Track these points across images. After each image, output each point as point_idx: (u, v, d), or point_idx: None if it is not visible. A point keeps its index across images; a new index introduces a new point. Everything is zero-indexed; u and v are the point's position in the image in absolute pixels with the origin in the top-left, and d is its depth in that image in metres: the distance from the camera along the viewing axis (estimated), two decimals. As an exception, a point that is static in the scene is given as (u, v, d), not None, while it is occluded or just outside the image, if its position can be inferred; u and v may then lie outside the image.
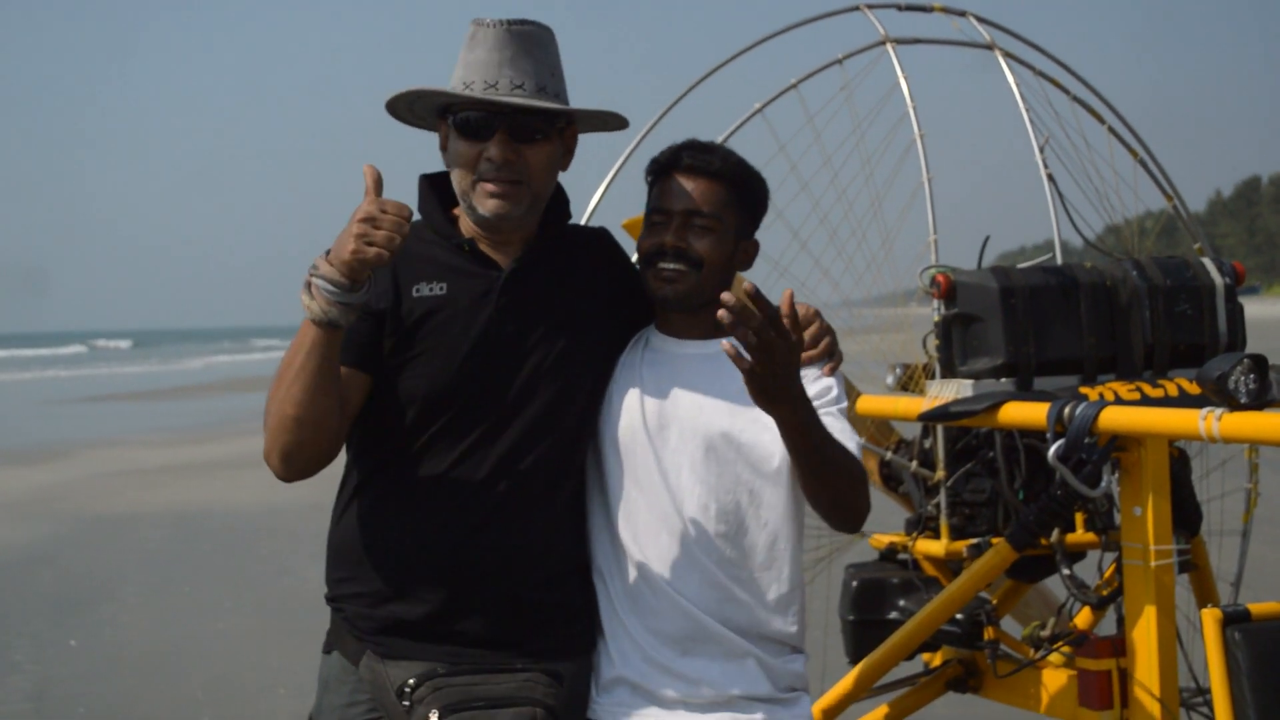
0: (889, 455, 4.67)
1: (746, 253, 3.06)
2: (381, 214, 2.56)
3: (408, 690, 2.78)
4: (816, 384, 2.93)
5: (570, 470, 2.93)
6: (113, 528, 13.42)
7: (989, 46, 4.83)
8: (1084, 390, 3.71)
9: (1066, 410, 3.49)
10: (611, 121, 3.01)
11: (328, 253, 2.62)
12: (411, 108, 2.95)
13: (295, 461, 2.74)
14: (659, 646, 2.89)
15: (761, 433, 2.86)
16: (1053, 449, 3.48)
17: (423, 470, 2.83)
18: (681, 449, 2.90)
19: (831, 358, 2.99)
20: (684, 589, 2.88)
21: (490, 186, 2.84)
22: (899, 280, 4.47)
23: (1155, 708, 3.61)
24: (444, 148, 2.94)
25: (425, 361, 2.83)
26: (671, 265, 2.93)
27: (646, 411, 2.93)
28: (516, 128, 2.84)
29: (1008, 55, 4.79)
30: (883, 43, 4.75)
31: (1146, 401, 3.67)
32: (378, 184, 2.62)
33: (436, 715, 2.72)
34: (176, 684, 8.09)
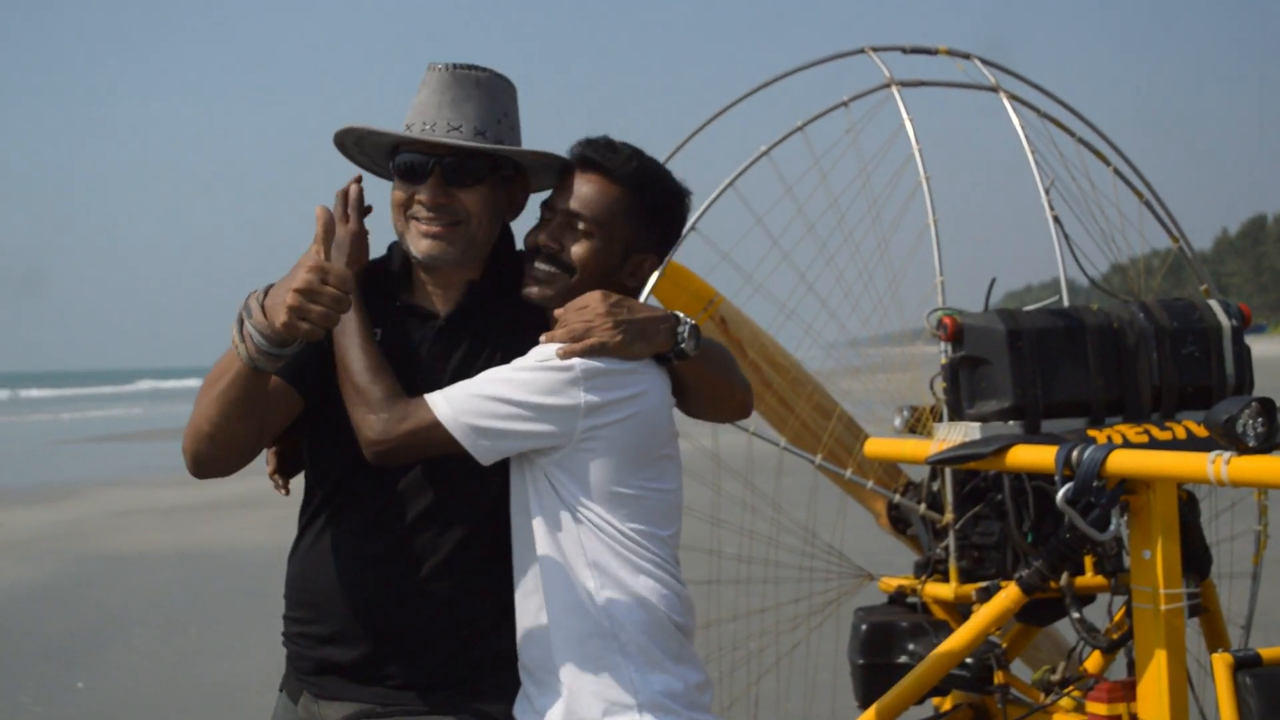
0: (897, 498, 4.66)
1: (640, 268, 2.85)
2: (321, 287, 2.49)
3: None
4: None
5: (500, 515, 2.85)
6: (121, 567, 13.40)
7: (993, 89, 4.85)
8: (1092, 433, 3.70)
9: (1075, 453, 3.48)
10: (556, 167, 2.92)
11: (267, 289, 2.60)
12: (363, 149, 2.94)
13: (204, 467, 2.79)
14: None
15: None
16: (1061, 492, 3.48)
17: (354, 514, 2.84)
18: (518, 494, 2.81)
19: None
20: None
21: (424, 228, 2.81)
22: (906, 321, 4.47)
23: (1166, 752, 3.59)
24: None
25: None
26: (543, 267, 2.78)
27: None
28: (450, 171, 2.79)
29: (1012, 97, 4.81)
30: (888, 85, 4.77)
31: (1155, 444, 3.66)
32: (328, 231, 2.58)
33: None
34: (183, 725, 8.07)
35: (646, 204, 2.81)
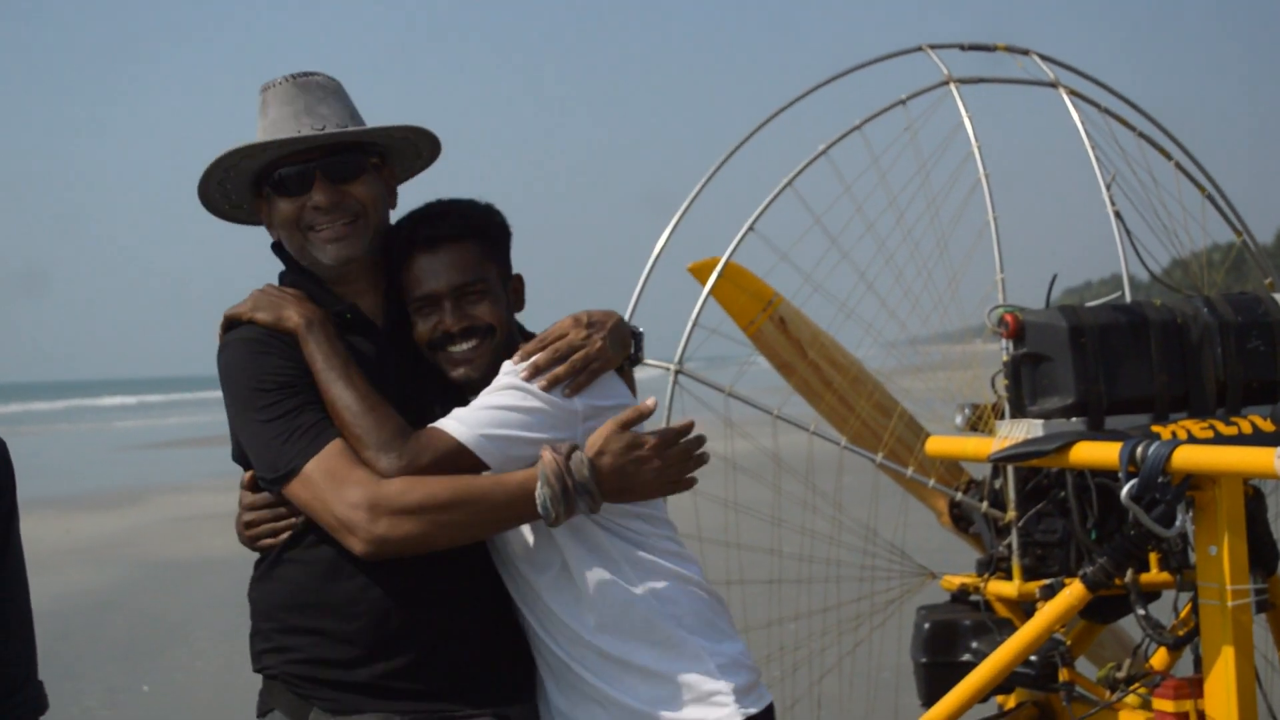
0: (959, 496, 4.64)
1: (518, 292, 3.01)
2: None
3: None
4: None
5: None
6: (184, 572, 13.55)
7: (1053, 84, 4.82)
8: (1156, 429, 3.68)
9: (1139, 450, 3.46)
10: (423, 151, 2.99)
11: (592, 461, 2.71)
12: (225, 192, 2.94)
13: (388, 551, 2.79)
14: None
15: None
16: (1125, 489, 3.46)
17: None
18: None
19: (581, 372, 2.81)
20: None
21: (325, 234, 2.83)
22: (965, 319, 4.45)
23: (1235, 750, 3.56)
24: (269, 222, 2.93)
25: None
26: (465, 345, 2.85)
27: None
28: (333, 168, 2.83)
29: (1072, 93, 4.78)
30: (946, 83, 4.76)
31: (1220, 440, 3.64)
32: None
33: None
34: (247, 727, 8.14)
35: (492, 238, 2.95)
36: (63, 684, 9.40)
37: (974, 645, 4.34)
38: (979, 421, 4.38)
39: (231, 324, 2.89)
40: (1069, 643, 4.60)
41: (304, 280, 2.90)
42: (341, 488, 2.67)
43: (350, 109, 2.89)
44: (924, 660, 4.42)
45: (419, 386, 2.87)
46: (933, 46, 4.88)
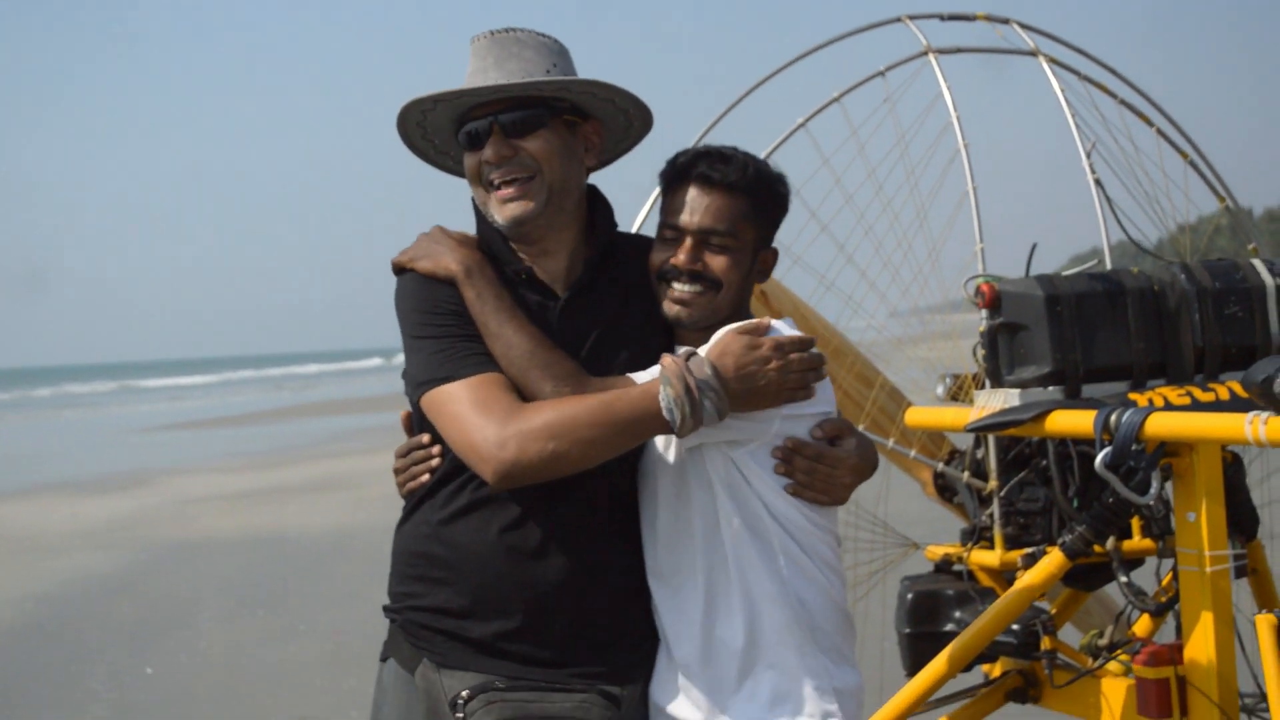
0: (941, 466, 4.64)
1: (765, 263, 2.96)
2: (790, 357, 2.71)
3: (460, 702, 2.77)
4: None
5: (633, 492, 2.92)
6: (189, 554, 13.59)
7: (1033, 53, 4.80)
8: (1133, 396, 3.67)
9: (1113, 418, 3.45)
10: (629, 109, 2.92)
11: (714, 368, 2.70)
12: (427, 136, 2.96)
13: (531, 477, 2.79)
14: (712, 670, 2.85)
15: (752, 469, 2.81)
16: (1100, 457, 3.46)
17: (484, 488, 2.80)
18: (683, 476, 2.83)
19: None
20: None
21: (501, 193, 2.83)
22: (946, 290, 4.45)
23: (1214, 715, 3.56)
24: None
25: None
26: (687, 287, 2.83)
27: (660, 439, 2.85)
28: (508, 124, 2.81)
29: (1052, 61, 4.76)
30: (925, 53, 4.74)
31: (1196, 406, 3.63)
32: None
33: None
34: (251, 709, 8.18)
35: (763, 204, 2.89)
36: (68, 666, 9.47)
37: (957, 615, 4.35)
38: (960, 392, 4.38)
39: (400, 270, 2.91)
40: (1053, 611, 4.61)
41: (490, 234, 2.90)
42: (483, 414, 2.68)
43: (546, 64, 2.83)
44: (907, 630, 4.43)
45: (582, 353, 2.83)
46: (912, 17, 4.87)
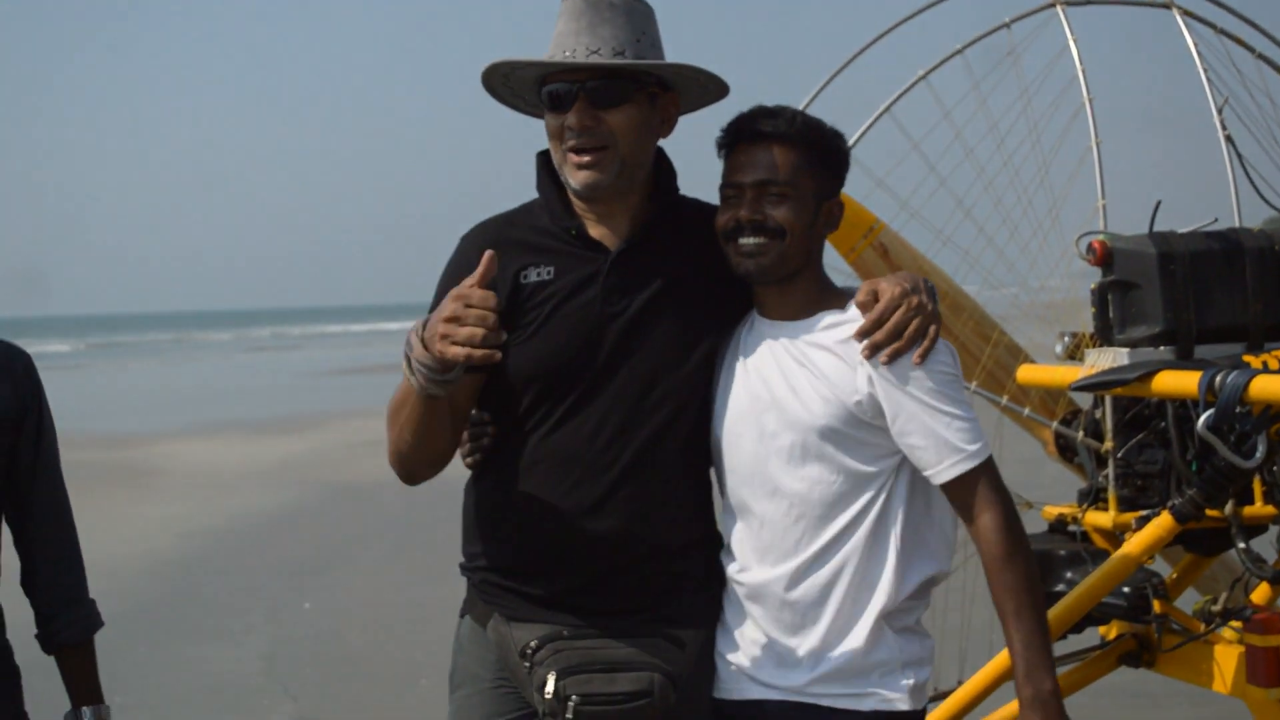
0: (1055, 425, 4.57)
1: (830, 214, 2.93)
2: (466, 310, 2.56)
3: (529, 651, 2.83)
4: (914, 382, 2.75)
5: (690, 445, 2.93)
6: (355, 495, 13.99)
7: (1166, 5, 4.66)
8: (1247, 358, 3.59)
9: (1218, 379, 3.38)
10: (709, 86, 2.94)
11: (424, 323, 2.68)
12: (511, 88, 2.99)
13: (416, 477, 2.94)
14: (767, 626, 2.88)
15: (850, 431, 2.80)
16: (1202, 419, 3.39)
17: (542, 448, 2.88)
18: (780, 434, 2.84)
19: (924, 339, 2.78)
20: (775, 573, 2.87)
21: (576, 158, 2.86)
22: (1066, 248, 4.36)
23: (1322, 686, 3.49)
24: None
25: (535, 343, 2.87)
26: (752, 239, 2.83)
27: (745, 395, 2.88)
28: (595, 93, 2.83)
29: (1186, 13, 4.62)
30: (1053, 4, 4.64)
31: (1313, 370, 3.53)
32: (486, 275, 2.61)
33: (554, 677, 2.77)
34: (400, 646, 8.42)
35: (819, 155, 2.88)
36: (231, 599, 9.87)
37: (1069, 576, 4.28)
38: (1077, 350, 4.30)
39: None
40: (1175, 575, 4.53)
41: (549, 189, 2.96)
42: None
43: (636, 33, 2.86)
44: (1018, 589, 4.37)
45: (632, 310, 2.87)
46: (1041, -33, 4.75)
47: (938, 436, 2.73)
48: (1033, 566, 2.74)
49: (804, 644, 2.83)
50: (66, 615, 3.05)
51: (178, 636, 8.86)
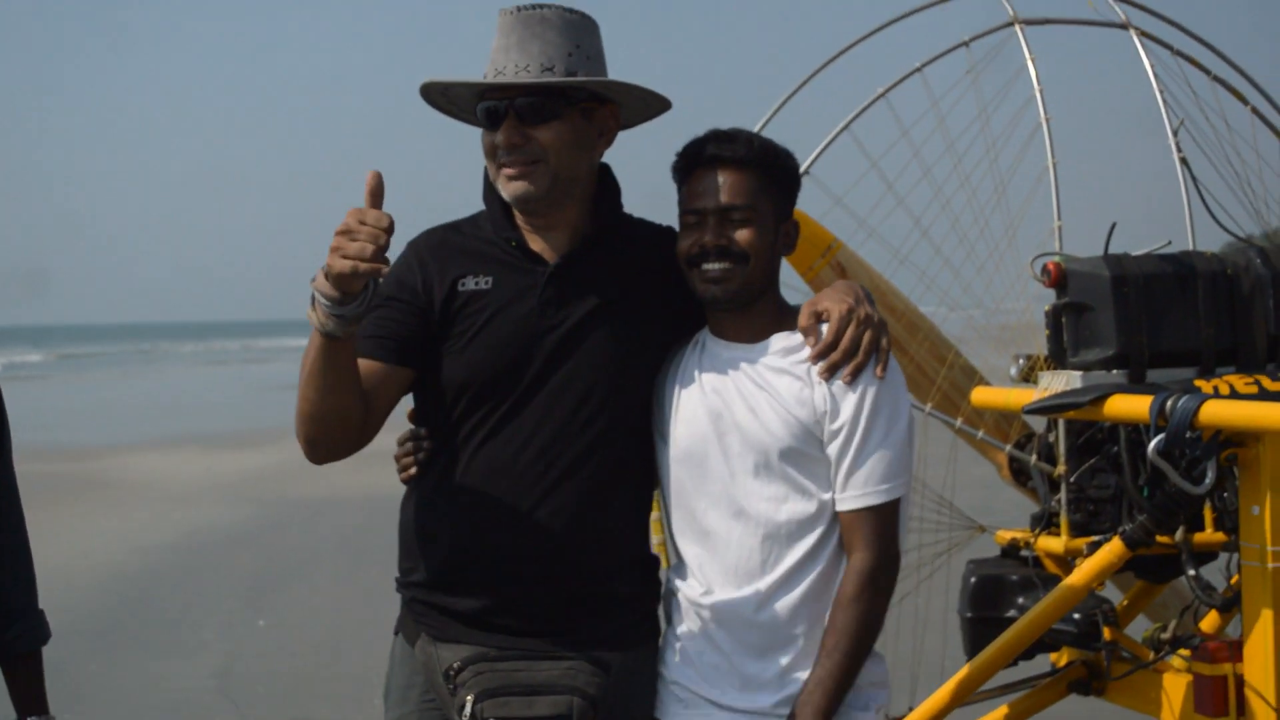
0: (1008, 449, 4.53)
1: (788, 235, 2.96)
2: (359, 225, 2.52)
3: (452, 673, 2.83)
4: (869, 396, 2.76)
5: (624, 463, 2.90)
6: (312, 511, 13.88)
7: (1124, 26, 4.65)
8: (1199, 383, 3.56)
9: (1169, 404, 3.35)
10: (649, 99, 2.94)
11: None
12: (451, 101, 2.97)
13: (319, 449, 2.84)
14: (730, 649, 2.85)
15: (811, 452, 2.80)
16: (1153, 443, 3.36)
17: (474, 460, 2.86)
18: (744, 456, 2.82)
19: (878, 350, 2.79)
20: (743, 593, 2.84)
21: (506, 171, 2.85)
22: (1022, 269, 4.33)
23: (1270, 717, 3.45)
24: None
25: (470, 351, 2.85)
26: (717, 265, 2.84)
27: (706, 417, 2.86)
28: (524, 111, 2.83)
29: (1143, 34, 4.61)
30: (1011, 24, 4.62)
31: (1264, 395, 3.51)
32: (374, 193, 2.58)
33: (472, 700, 2.77)
34: (354, 664, 8.32)
35: (775, 177, 2.91)
36: (184, 614, 9.76)
37: (1020, 601, 4.25)
38: (1031, 373, 4.27)
39: None
40: (1125, 602, 4.49)
41: (492, 202, 2.95)
42: None
43: (569, 46, 2.86)
44: (969, 614, 4.34)
45: (568, 323, 2.86)
46: (999, -14, 4.73)
47: (859, 459, 2.76)
48: (873, 618, 2.76)
49: (770, 666, 2.82)
50: (17, 626, 2.99)
51: (131, 651, 8.75)
